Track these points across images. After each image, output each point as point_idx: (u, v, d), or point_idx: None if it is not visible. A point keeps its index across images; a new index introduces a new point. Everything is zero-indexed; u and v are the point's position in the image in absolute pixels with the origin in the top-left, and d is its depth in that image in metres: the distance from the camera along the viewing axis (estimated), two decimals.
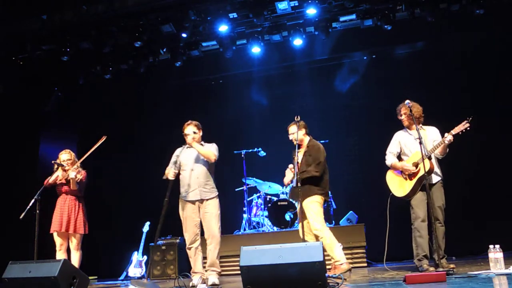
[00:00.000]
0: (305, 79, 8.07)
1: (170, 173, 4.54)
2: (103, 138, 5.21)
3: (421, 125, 4.53)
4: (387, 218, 4.47)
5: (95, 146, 5.21)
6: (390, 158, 4.61)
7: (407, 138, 4.56)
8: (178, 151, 4.81)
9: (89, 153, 5.22)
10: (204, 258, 4.61)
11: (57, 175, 5.13)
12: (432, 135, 4.45)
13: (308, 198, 4.58)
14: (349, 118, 7.81)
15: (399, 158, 4.63)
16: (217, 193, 4.67)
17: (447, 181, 4.47)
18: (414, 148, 4.43)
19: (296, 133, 4.70)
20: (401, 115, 4.54)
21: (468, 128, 4.11)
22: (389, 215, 4.50)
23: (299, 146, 4.71)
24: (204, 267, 4.59)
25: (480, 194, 6.67)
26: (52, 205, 5.19)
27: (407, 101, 4.36)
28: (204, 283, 4.41)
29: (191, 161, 4.67)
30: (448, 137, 4.14)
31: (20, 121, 7.64)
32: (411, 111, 4.34)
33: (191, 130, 4.73)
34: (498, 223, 6.38)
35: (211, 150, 4.67)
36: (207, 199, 4.57)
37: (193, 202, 4.56)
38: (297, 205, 4.83)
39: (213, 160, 4.65)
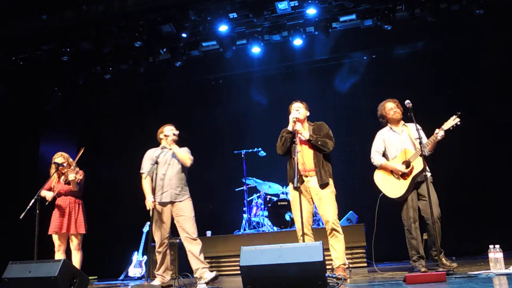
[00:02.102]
0: (305, 79, 8.07)
1: (149, 203, 4.51)
2: (82, 150, 5.26)
3: (403, 122, 4.50)
4: (375, 218, 4.43)
5: (77, 158, 5.23)
6: (378, 158, 4.51)
7: (392, 136, 4.50)
8: (151, 153, 4.78)
9: (74, 163, 5.27)
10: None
11: (50, 194, 5.14)
12: (413, 132, 4.34)
13: (328, 188, 4.21)
14: (349, 118, 7.81)
15: (383, 156, 4.55)
16: (189, 195, 4.69)
17: (447, 181, 4.46)
18: (401, 146, 4.39)
19: (303, 109, 4.44)
20: (392, 111, 4.46)
21: (459, 123, 4.07)
22: (378, 216, 4.43)
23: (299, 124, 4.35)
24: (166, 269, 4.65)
25: (480, 194, 6.67)
26: (52, 206, 5.19)
27: (407, 101, 4.31)
28: (204, 283, 4.40)
29: (166, 163, 4.67)
30: (440, 132, 4.10)
31: (20, 121, 7.64)
32: (411, 110, 4.28)
33: (171, 131, 4.74)
34: (498, 223, 6.38)
35: (188, 155, 4.69)
36: (180, 201, 4.59)
37: (164, 204, 4.58)
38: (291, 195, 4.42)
39: (189, 164, 4.68)
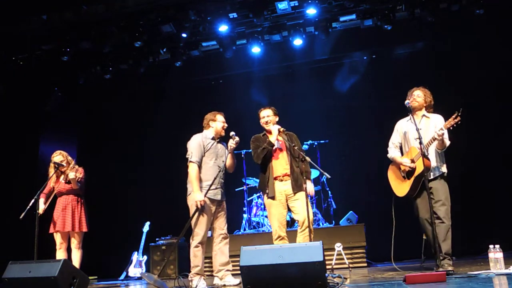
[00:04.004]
0: (305, 79, 8.07)
1: (198, 202, 4.19)
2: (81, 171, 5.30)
3: (424, 112, 4.35)
4: (392, 218, 4.37)
5: (73, 162, 5.31)
6: (391, 151, 4.45)
7: (409, 127, 4.35)
8: (201, 141, 4.47)
9: (73, 161, 5.33)
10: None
11: (52, 186, 5.15)
12: (436, 124, 4.23)
13: (302, 190, 4.25)
14: (349, 118, 7.81)
15: (402, 149, 4.48)
16: None
17: (447, 181, 4.41)
18: (413, 141, 4.28)
19: (273, 116, 4.49)
20: (413, 97, 4.34)
21: (459, 122, 3.92)
22: (386, 213, 4.41)
23: (268, 133, 4.46)
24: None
25: (480, 193, 6.67)
26: (53, 204, 5.19)
27: (407, 101, 4.30)
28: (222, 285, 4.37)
29: (219, 157, 4.49)
30: (440, 131, 3.96)
31: (20, 121, 7.64)
32: (411, 111, 4.26)
33: (223, 122, 4.57)
34: (498, 223, 6.38)
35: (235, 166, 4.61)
36: (225, 200, 4.54)
37: (213, 201, 4.38)
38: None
39: (231, 172, 4.64)
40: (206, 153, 4.45)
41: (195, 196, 4.24)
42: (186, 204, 4.45)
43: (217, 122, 4.57)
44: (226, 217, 4.53)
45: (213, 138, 4.55)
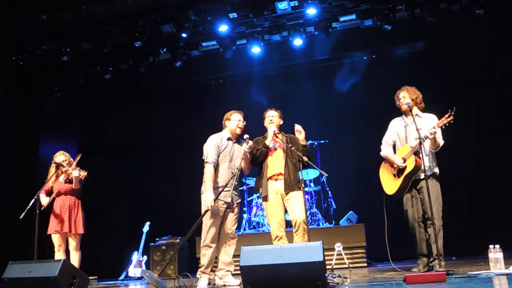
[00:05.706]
0: (305, 79, 8.07)
1: (208, 203, 4.13)
2: (79, 156, 5.19)
3: (416, 112, 4.36)
4: (385, 213, 4.39)
5: (74, 163, 5.18)
6: (384, 148, 4.47)
7: (401, 126, 4.42)
8: (217, 141, 4.43)
9: (74, 163, 5.22)
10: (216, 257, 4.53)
11: (51, 185, 5.12)
12: (428, 123, 4.23)
13: (297, 189, 4.27)
14: (349, 118, 7.81)
15: (395, 147, 4.50)
16: None
17: (447, 180, 4.42)
18: (405, 139, 4.32)
19: (277, 117, 4.50)
20: (399, 99, 4.42)
21: (452, 121, 3.91)
22: (386, 212, 4.42)
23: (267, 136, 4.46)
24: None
25: (480, 193, 6.66)
26: (51, 205, 5.18)
27: (407, 101, 4.32)
28: (209, 283, 4.38)
29: (234, 159, 4.44)
30: (432, 130, 3.96)
31: (20, 121, 7.64)
32: (410, 110, 4.26)
33: (239, 121, 4.49)
34: (499, 223, 6.37)
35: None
36: (237, 202, 4.51)
37: (223, 202, 4.36)
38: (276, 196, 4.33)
39: (246, 173, 4.66)
40: (221, 154, 4.41)
41: (206, 196, 4.21)
42: (186, 204, 4.45)
43: (231, 122, 4.52)
44: (237, 219, 4.52)
45: (229, 139, 4.50)
